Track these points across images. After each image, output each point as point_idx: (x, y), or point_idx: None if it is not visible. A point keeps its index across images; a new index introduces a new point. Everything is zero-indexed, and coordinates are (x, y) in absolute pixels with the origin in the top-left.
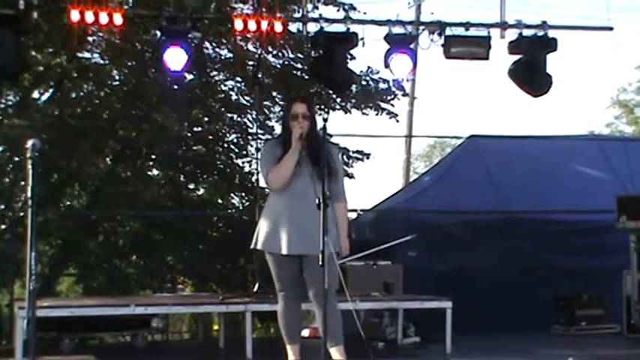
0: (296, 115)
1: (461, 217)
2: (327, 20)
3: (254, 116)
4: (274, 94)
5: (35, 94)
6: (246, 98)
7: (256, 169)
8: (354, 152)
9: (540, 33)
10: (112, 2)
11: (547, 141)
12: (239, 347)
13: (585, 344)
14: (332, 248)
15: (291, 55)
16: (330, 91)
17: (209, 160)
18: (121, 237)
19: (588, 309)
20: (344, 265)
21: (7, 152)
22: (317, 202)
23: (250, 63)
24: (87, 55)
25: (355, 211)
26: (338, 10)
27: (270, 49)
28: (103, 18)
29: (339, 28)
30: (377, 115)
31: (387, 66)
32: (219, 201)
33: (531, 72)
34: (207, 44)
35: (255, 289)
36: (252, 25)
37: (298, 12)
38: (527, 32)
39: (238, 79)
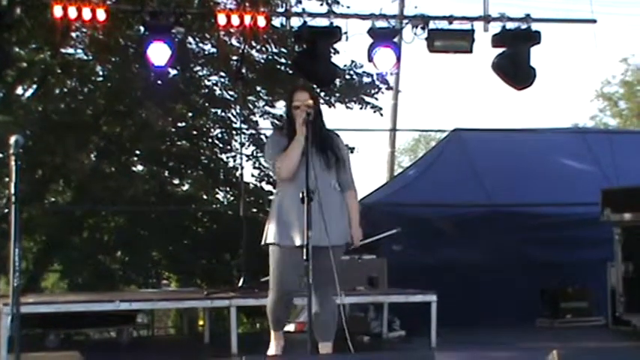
0: (299, 102)
1: (446, 210)
2: (310, 14)
3: (238, 111)
4: (258, 88)
5: (19, 90)
6: (230, 93)
7: (241, 164)
8: None
9: (524, 26)
10: None
11: (531, 134)
12: (224, 342)
13: (570, 337)
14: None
15: (274, 50)
16: (314, 86)
17: (193, 155)
18: (105, 233)
19: (573, 301)
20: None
21: None
22: (300, 196)
23: (234, 58)
24: (70, 50)
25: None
26: (321, 4)
27: (253, 43)
28: (86, 13)
29: (323, 22)
30: (361, 109)
31: (370, 60)
32: (204, 196)
33: (515, 65)
34: (190, 39)
35: (240, 284)
36: (235, 20)
37: (281, 6)
38: (510, 25)
39: (222, 73)
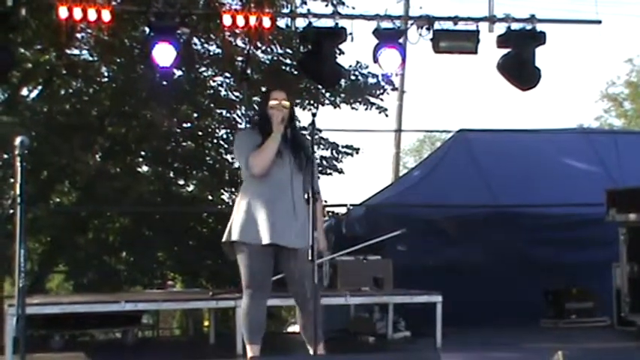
0: (276, 102)
1: (450, 211)
2: (315, 15)
3: (243, 112)
4: (263, 89)
5: (24, 92)
6: (235, 94)
7: None
8: (343, 147)
9: (529, 26)
10: None
11: (536, 135)
12: (229, 343)
13: (575, 337)
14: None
15: (279, 51)
16: (319, 86)
17: (198, 155)
18: (110, 233)
19: (578, 302)
20: (334, 260)
21: None
22: (306, 196)
23: (239, 58)
24: (75, 51)
25: (345, 205)
26: (326, 5)
27: (258, 44)
28: (92, 14)
29: (328, 23)
30: (366, 109)
31: (375, 60)
32: (209, 197)
33: (520, 66)
34: (195, 40)
35: None
36: (240, 21)
37: (287, 7)
38: (515, 26)
39: (227, 74)
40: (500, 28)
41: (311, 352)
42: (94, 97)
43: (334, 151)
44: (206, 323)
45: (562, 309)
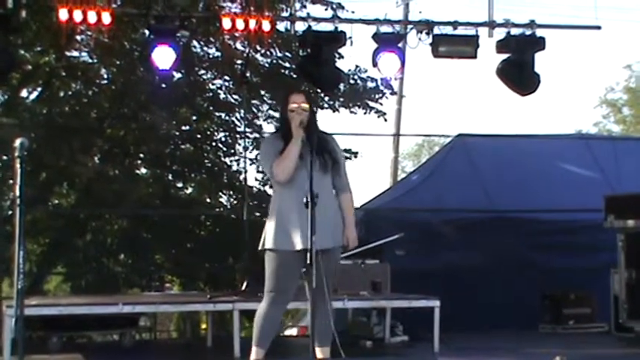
0: (295, 105)
1: (449, 215)
2: (315, 19)
3: (242, 115)
4: (262, 92)
5: (24, 93)
6: (235, 97)
7: (244, 168)
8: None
9: (528, 32)
10: (101, 1)
11: (535, 140)
12: (227, 346)
13: (573, 343)
14: (329, 245)
15: (279, 54)
16: (318, 90)
17: (197, 158)
18: (109, 235)
19: (575, 308)
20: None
21: None
22: (305, 200)
23: (238, 62)
24: (75, 53)
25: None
26: (326, 9)
27: (258, 47)
28: (92, 17)
29: (327, 27)
30: (365, 113)
31: (375, 65)
32: (208, 200)
33: (519, 71)
34: (195, 43)
35: (244, 287)
36: (240, 24)
37: (286, 11)
38: (515, 31)
39: (226, 77)
40: (500, 34)
41: (322, 354)
42: (93, 99)
43: None
44: (204, 326)
45: (560, 314)
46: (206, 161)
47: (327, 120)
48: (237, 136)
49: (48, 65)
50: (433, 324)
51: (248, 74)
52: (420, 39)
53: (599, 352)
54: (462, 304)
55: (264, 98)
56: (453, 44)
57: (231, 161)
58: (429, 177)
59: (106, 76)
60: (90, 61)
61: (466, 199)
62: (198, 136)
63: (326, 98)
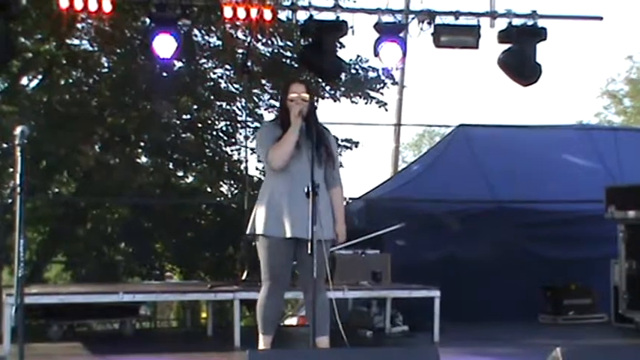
0: (295, 95)
1: (449, 206)
2: (316, 8)
3: (243, 104)
4: (263, 82)
5: (24, 81)
6: (236, 86)
7: (245, 157)
8: (342, 141)
9: (530, 22)
10: None
11: (536, 130)
12: (227, 335)
13: (573, 334)
14: (323, 236)
15: (280, 43)
16: (320, 80)
17: (198, 147)
18: (109, 224)
19: (576, 298)
20: (333, 253)
21: None
22: (305, 190)
23: (240, 51)
24: (76, 41)
25: (344, 199)
26: None
27: (259, 36)
28: (92, 4)
29: (329, 16)
30: (366, 103)
31: (376, 54)
32: (208, 189)
33: (521, 61)
34: (196, 31)
35: (244, 277)
36: (241, 13)
37: (288, 0)
38: (517, 21)
39: (227, 66)
40: (502, 24)
41: (322, 344)
42: (93, 87)
43: None
44: (204, 315)
45: (560, 305)
46: (207, 150)
47: (328, 109)
48: (238, 125)
49: (48, 53)
50: (433, 314)
51: (249, 63)
52: (421, 29)
53: (599, 342)
54: (462, 294)
55: (266, 87)
56: (455, 34)
57: (232, 150)
58: (429, 167)
59: (106, 65)
60: (90, 49)
61: (467, 190)
62: (199, 125)
63: (327, 88)
